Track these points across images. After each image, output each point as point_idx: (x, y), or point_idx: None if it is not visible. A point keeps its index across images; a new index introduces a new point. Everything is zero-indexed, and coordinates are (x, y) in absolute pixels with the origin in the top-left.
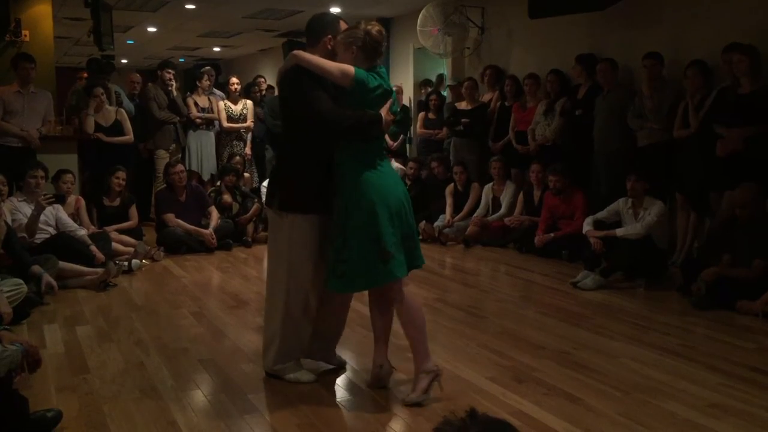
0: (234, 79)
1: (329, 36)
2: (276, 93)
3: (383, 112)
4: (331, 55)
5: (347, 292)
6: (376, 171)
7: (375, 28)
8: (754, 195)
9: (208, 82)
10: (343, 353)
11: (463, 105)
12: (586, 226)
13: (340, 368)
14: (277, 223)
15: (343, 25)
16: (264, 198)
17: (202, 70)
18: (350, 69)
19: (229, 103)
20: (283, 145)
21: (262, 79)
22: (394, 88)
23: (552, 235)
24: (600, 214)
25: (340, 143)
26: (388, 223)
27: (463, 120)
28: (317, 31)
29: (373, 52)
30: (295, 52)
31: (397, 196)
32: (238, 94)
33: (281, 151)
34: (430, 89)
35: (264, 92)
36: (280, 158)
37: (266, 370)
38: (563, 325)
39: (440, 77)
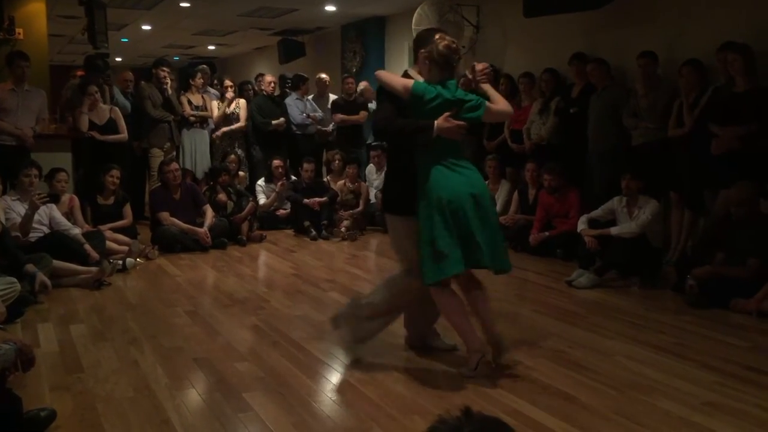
0: (228, 82)
1: (422, 50)
2: (266, 93)
3: (441, 119)
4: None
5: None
6: (441, 172)
7: (443, 42)
8: (749, 193)
9: (201, 81)
10: (338, 352)
11: None
12: (581, 225)
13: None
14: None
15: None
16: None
17: (196, 69)
18: (409, 84)
19: (221, 104)
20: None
21: (264, 78)
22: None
23: (547, 233)
24: (595, 213)
25: (418, 150)
26: (441, 224)
27: None
28: (417, 46)
29: (442, 65)
30: (377, 71)
31: (458, 194)
32: (232, 97)
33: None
34: None
35: (263, 91)
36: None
37: (345, 313)
38: (558, 323)
39: None
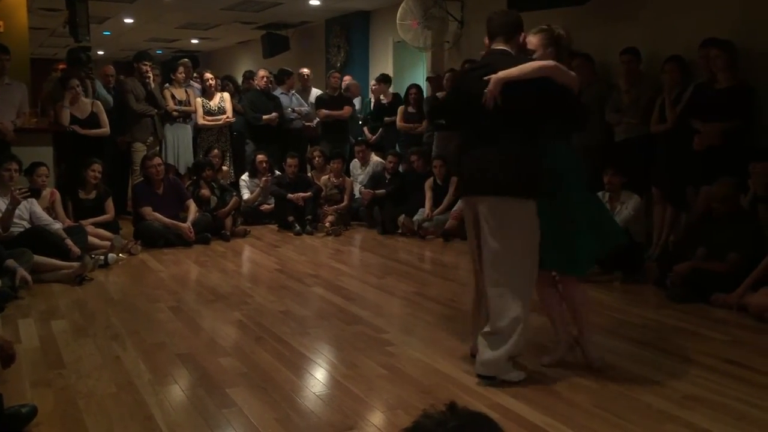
0: (208, 75)
1: (522, 34)
2: (259, 87)
3: None
4: (523, 51)
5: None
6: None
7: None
8: (731, 189)
9: (183, 75)
10: (322, 347)
11: None
12: None
13: None
14: (519, 209)
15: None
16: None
17: (178, 62)
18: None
19: (204, 99)
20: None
21: (257, 72)
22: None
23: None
24: None
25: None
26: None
27: None
28: (513, 27)
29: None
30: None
31: None
32: (213, 89)
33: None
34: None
35: (256, 86)
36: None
37: (486, 372)
38: (540, 318)
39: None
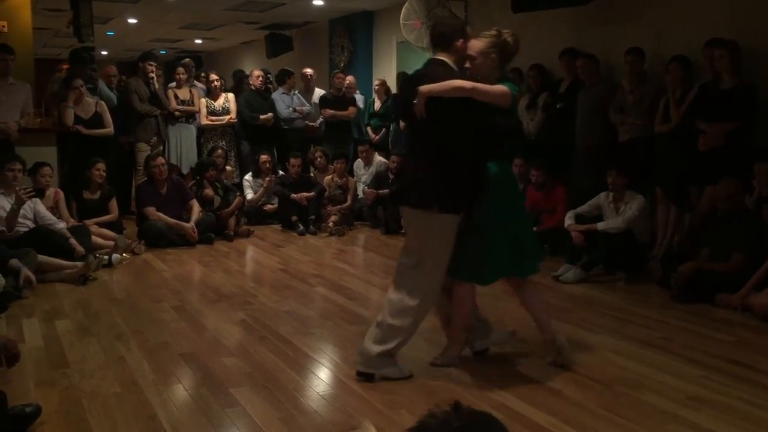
0: (214, 76)
1: (461, 40)
2: (253, 87)
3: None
4: (463, 59)
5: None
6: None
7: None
8: (735, 189)
9: (184, 75)
10: (325, 347)
11: None
12: (568, 220)
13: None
14: (430, 221)
15: (469, 30)
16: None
17: (181, 63)
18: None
19: (209, 99)
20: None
21: (252, 72)
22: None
23: (534, 228)
24: (581, 209)
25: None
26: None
27: None
28: (449, 35)
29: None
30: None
31: None
32: (218, 90)
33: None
34: None
35: (251, 85)
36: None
37: (365, 369)
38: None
39: None
